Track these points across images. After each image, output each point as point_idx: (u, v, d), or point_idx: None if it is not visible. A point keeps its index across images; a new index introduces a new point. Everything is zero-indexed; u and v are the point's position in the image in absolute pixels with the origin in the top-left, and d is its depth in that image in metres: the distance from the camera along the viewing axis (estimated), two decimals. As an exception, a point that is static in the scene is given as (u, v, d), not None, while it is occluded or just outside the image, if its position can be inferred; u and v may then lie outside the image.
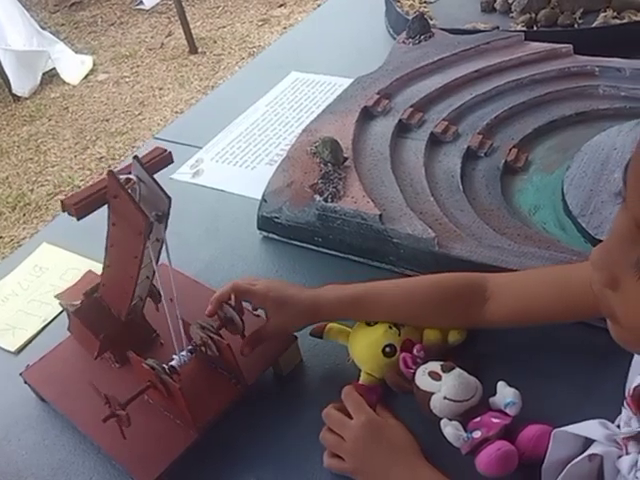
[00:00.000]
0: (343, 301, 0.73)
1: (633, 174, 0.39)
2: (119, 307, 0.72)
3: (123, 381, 0.73)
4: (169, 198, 0.60)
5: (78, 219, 0.60)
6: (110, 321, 0.73)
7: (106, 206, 0.63)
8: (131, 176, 0.61)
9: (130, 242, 0.63)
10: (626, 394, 0.55)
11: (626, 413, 0.54)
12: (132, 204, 0.59)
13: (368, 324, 0.73)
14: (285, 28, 3.51)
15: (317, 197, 0.90)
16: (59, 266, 1.00)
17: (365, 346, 0.72)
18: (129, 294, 0.68)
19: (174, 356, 0.70)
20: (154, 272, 0.67)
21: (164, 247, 0.66)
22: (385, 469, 0.63)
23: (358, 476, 0.65)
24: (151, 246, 0.63)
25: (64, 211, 0.61)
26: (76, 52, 3.62)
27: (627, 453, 0.52)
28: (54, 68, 3.50)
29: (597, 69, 1.09)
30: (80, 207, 0.60)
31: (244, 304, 0.75)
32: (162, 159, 0.64)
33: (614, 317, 0.44)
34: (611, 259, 0.42)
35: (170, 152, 0.65)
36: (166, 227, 0.63)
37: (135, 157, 0.61)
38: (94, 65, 3.59)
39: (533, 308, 0.70)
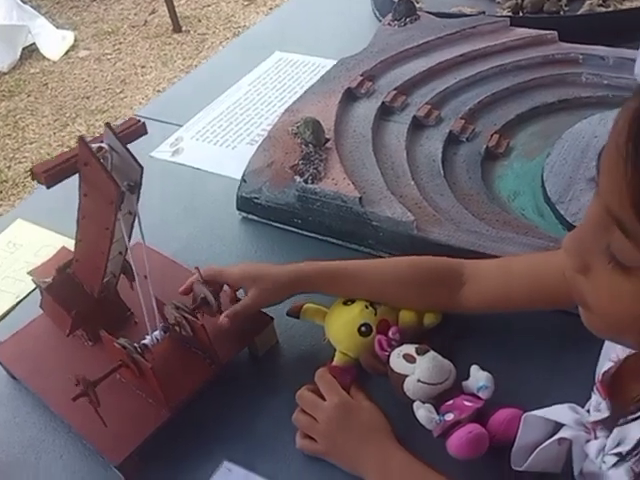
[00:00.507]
0: (324, 274, 0.73)
1: (605, 161, 0.38)
2: (91, 283, 0.71)
3: (96, 359, 0.72)
4: (141, 167, 0.58)
5: (48, 187, 0.59)
6: (82, 298, 0.72)
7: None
8: (103, 144, 0.59)
9: (101, 213, 0.61)
10: (596, 379, 0.56)
11: (595, 398, 0.55)
12: (103, 172, 0.57)
13: (345, 303, 0.73)
14: (271, 9, 3.47)
15: (297, 178, 0.90)
16: (33, 243, 0.99)
17: (341, 325, 0.72)
18: (101, 270, 0.67)
19: (146, 335, 0.69)
20: (127, 248, 0.66)
21: (137, 222, 0.64)
22: (356, 451, 0.63)
23: (330, 457, 0.65)
24: (123, 218, 0.61)
25: (34, 179, 0.59)
26: (57, 27, 3.55)
27: (595, 437, 0.53)
28: (34, 43, 3.43)
29: (581, 57, 1.09)
30: (50, 175, 0.58)
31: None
32: (136, 129, 0.62)
33: (585, 304, 0.44)
34: (583, 245, 0.42)
35: (144, 123, 0.63)
36: (138, 199, 0.62)
37: (107, 124, 0.59)
38: (75, 41, 3.53)
39: (508, 295, 0.70)
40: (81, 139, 0.58)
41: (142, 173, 0.59)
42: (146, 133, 0.63)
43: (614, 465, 0.47)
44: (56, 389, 0.71)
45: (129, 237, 0.65)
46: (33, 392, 0.74)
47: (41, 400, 0.73)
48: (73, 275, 0.73)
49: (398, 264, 0.74)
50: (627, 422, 0.43)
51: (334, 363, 0.71)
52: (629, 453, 0.44)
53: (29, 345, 0.77)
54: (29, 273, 0.82)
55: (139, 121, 0.63)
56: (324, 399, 0.67)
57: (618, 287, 0.40)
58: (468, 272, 0.71)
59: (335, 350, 0.72)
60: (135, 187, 0.59)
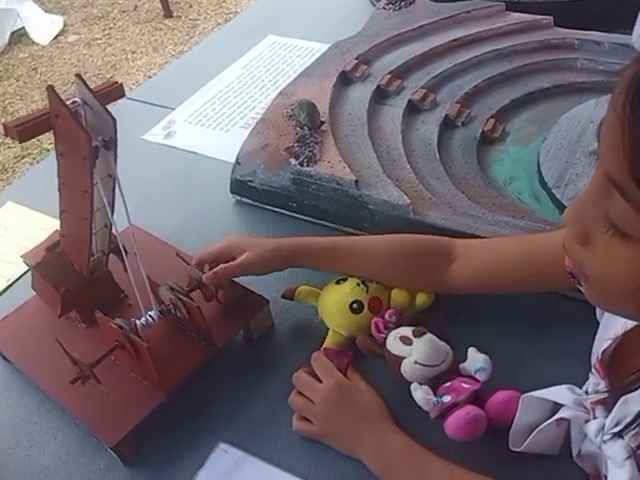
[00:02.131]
0: (314, 250, 0.73)
1: (604, 127, 0.38)
2: (79, 259, 0.69)
3: (89, 342, 0.72)
4: (114, 119, 0.56)
5: (20, 142, 0.58)
6: (72, 275, 0.71)
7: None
8: (76, 99, 0.57)
9: (78, 174, 0.59)
10: (593, 360, 0.56)
11: (593, 378, 0.55)
12: (74, 123, 0.55)
13: (337, 282, 0.73)
14: (263, -6, 3.44)
15: (292, 161, 0.89)
16: (24, 225, 0.97)
17: (333, 303, 0.72)
18: (87, 242, 0.65)
19: (142, 316, 0.68)
20: (112, 221, 0.64)
21: (121, 199, 0.63)
22: (353, 433, 0.63)
23: (326, 439, 0.65)
24: (101, 182, 0.60)
25: (7, 135, 0.58)
26: (46, 11, 3.51)
27: (594, 417, 0.53)
28: (23, 27, 3.39)
29: (576, 42, 1.09)
30: (22, 130, 0.57)
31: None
32: (113, 90, 0.60)
33: (585, 275, 0.44)
34: (583, 213, 0.42)
35: (121, 84, 0.61)
36: (116, 159, 0.60)
37: (77, 75, 0.57)
38: (64, 25, 3.48)
39: (497, 274, 0.70)
40: (50, 88, 0.56)
41: (116, 126, 0.57)
42: (123, 95, 0.61)
43: (611, 439, 0.48)
44: (50, 371, 0.70)
45: (112, 206, 0.63)
46: (26, 374, 0.73)
47: (34, 382, 0.72)
48: (62, 254, 0.72)
49: (389, 242, 0.73)
50: (626, 393, 0.43)
51: (326, 342, 0.71)
52: (627, 427, 0.43)
53: (21, 327, 0.76)
54: (22, 257, 0.81)
55: (116, 82, 0.61)
56: (320, 381, 0.66)
57: (617, 255, 0.40)
58: (458, 250, 0.71)
59: (328, 330, 0.72)
60: (110, 143, 0.57)
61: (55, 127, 0.59)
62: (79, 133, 0.56)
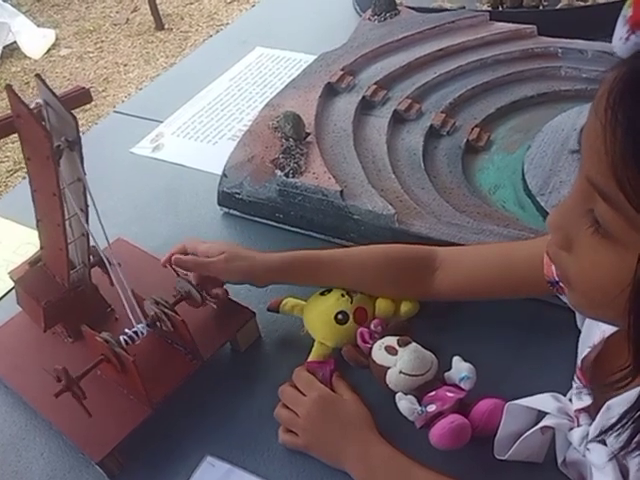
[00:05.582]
0: (296, 264, 0.73)
1: (585, 132, 0.39)
2: (59, 269, 0.69)
3: (76, 356, 0.72)
4: (75, 119, 0.56)
5: None
6: (53, 287, 0.71)
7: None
8: (38, 100, 0.57)
9: (45, 176, 0.59)
10: (576, 368, 0.56)
11: (577, 387, 0.55)
12: (33, 121, 0.55)
13: (322, 294, 0.73)
14: (254, 6, 3.46)
15: (278, 172, 0.89)
16: (13, 240, 0.98)
17: (317, 314, 0.72)
18: (63, 250, 0.65)
19: (127, 330, 0.68)
20: (87, 230, 0.64)
21: (95, 213, 0.63)
22: (337, 444, 0.63)
23: (311, 451, 0.65)
24: (70, 187, 0.59)
25: None
26: (38, 25, 3.52)
27: (578, 425, 0.53)
28: (15, 42, 3.40)
29: (560, 50, 1.10)
30: None
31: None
32: (80, 95, 0.61)
33: (568, 280, 0.45)
34: (566, 218, 0.42)
35: (89, 89, 0.62)
36: (82, 162, 0.60)
37: (37, 76, 0.57)
38: (57, 39, 3.49)
39: (478, 281, 0.71)
40: (9, 88, 0.56)
41: (77, 125, 0.57)
42: (91, 101, 0.62)
43: (594, 446, 0.48)
44: (36, 386, 0.70)
45: (86, 212, 0.63)
46: (13, 390, 0.73)
47: (21, 398, 0.72)
48: (44, 267, 0.72)
49: (372, 253, 0.74)
50: (609, 397, 0.43)
51: (312, 355, 0.71)
52: (609, 429, 0.43)
53: (8, 342, 0.76)
54: (9, 273, 0.81)
55: (83, 88, 0.61)
56: (305, 395, 0.66)
57: (600, 258, 0.40)
58: (441, 258, 0.72)
59: (314, 342, 0.72)
60: (74, 143, 0.57)
61: (18, 129, 0.59)
62: (39, 131, 0.55)
